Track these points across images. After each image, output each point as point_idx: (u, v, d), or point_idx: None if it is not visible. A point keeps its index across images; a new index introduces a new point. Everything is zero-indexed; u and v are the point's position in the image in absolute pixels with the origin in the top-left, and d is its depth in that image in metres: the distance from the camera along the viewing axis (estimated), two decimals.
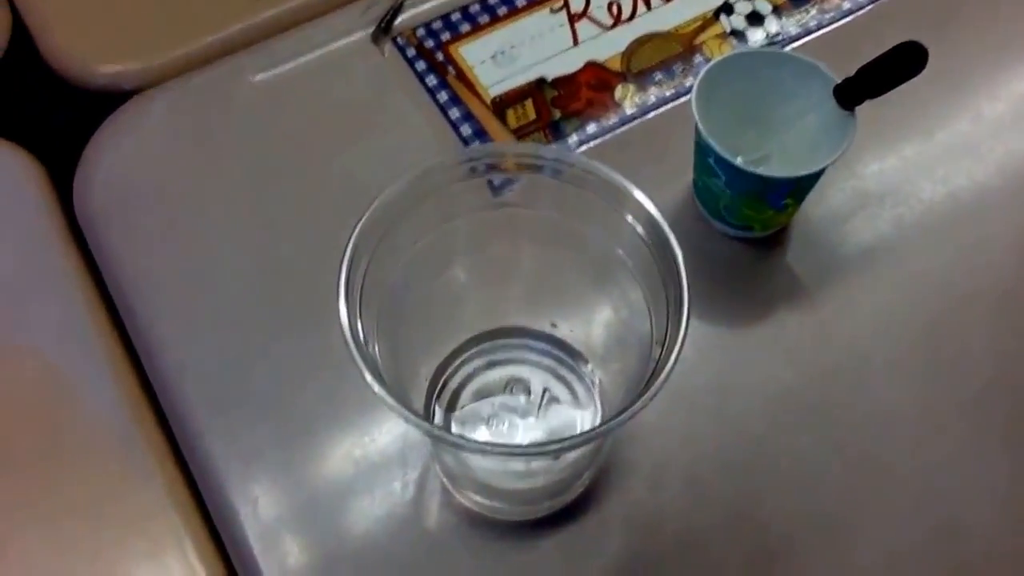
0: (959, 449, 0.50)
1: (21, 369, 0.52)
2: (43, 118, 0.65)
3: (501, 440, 0.47)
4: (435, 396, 0.48)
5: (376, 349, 0.37)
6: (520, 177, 0.41)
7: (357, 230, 0.36)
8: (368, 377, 0.33)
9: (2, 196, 0.58)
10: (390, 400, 0.32)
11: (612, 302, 0.45)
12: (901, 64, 0.45)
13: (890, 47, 0.48)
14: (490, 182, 0.41)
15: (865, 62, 0.48)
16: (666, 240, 0.36)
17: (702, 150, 0.50)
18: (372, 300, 0.37)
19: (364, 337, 0.35)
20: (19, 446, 0.50)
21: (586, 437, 0.32)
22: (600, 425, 0.32)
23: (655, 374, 0.34)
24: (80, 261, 0.56)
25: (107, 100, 0.61)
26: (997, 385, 0.51)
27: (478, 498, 0.47)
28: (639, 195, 0.37)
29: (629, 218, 0.38)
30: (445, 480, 0.48)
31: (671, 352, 0.33)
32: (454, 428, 0.48)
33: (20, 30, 0.63)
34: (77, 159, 0.59)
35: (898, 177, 0.58)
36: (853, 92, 0.47)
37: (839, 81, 0.49)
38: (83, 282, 0.55)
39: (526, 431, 0.48)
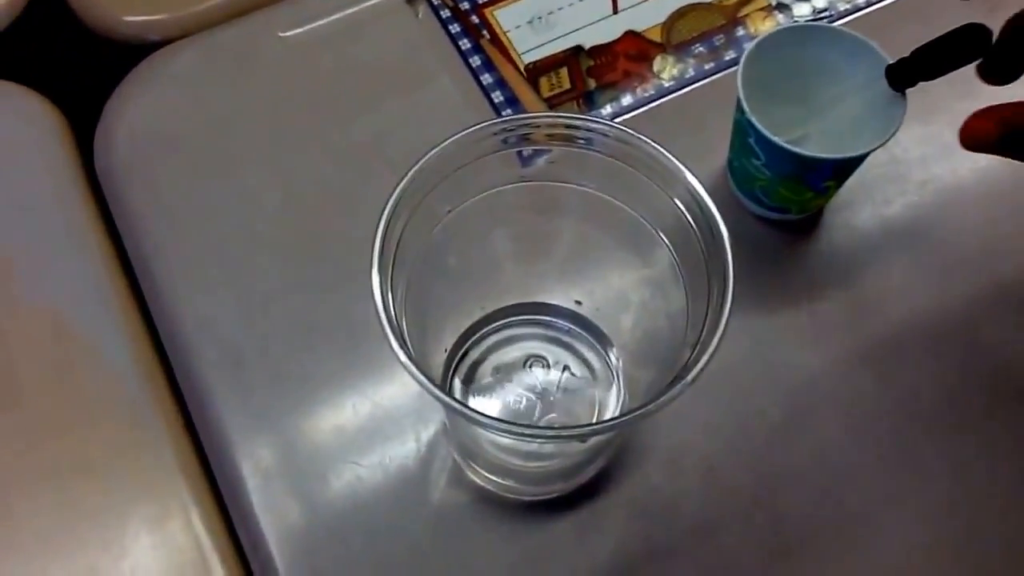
0: (994, 445, 0.49)
1: (34, 323, 0.51)
2: (68, 68, 0.63)
3: (518, 417, 0.46)
4: (454, 368, 0.47)
5: (402, 318, 0.36)
6: (553, 147, 0.39)
7: (393, 197, 0.34)
8: (396, 346, 0.31)
9: (23, 146, 0.57)
10: (418, 374, 0.31)
11: (643, 282, 0.43)
12: (962, 47, 0.43)
13: (945, 27, 0.46)
14: (519, 153, 0.39)
15: (914, 41, 0.46)
16: (715, 226, 0.34)
17: (742, 129, 0.48)
18: (402, 268, 0.36)
19: (392, 306, 0.34)
20: (29, 401, 0.49)
21: (614, 424, 0.31)
22: (631, 412, 0.31)
23: (692, 361, 0.33)
24: (98, 215, 0.55)
25: (133, 51, 0.60)
26: None
27: (489, 475, 0.46)
28: (690, 178, 0.35)
29: (674, 199, 0.36)
30: (456, 456, 0.48)
31: (711, 341, 0.32)
32: (471, 402, 0.47)
33: None
34: (101, 111, 0.58)
35: (940, 163, 0.56)
36: (907, 73, 0.46)
37: (892, 61, 0.47)
38: (100, 237, 0.54)
39: (543, 409, 0.47)
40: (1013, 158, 0.39)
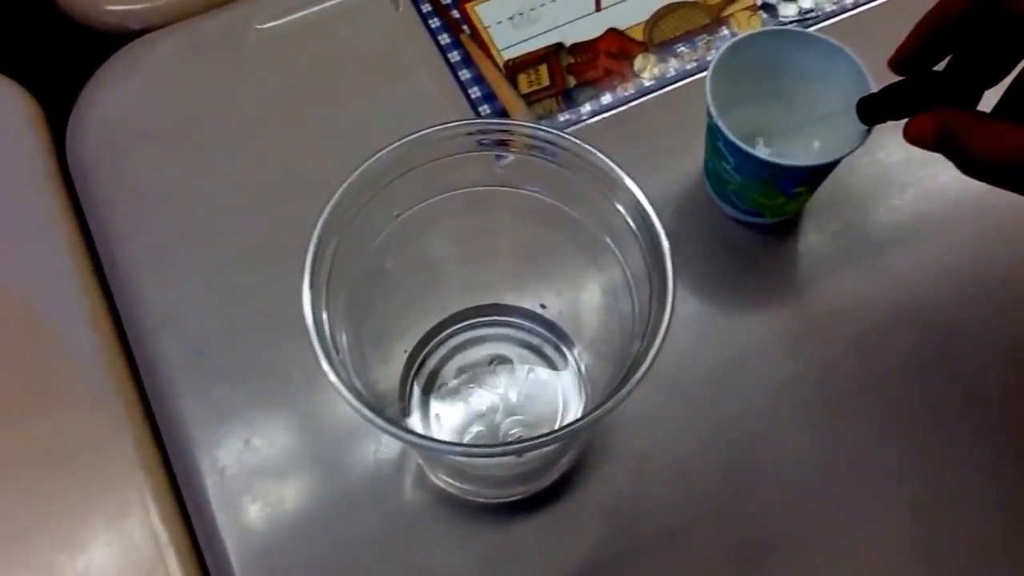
0: (964, 453, 0.48)
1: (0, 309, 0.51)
2: (46, 56, 0.63)
3: (480, 418, 0.46)
4: (414, 372, 0.47)
5: (346, 327, 0.36)
6: (509, 154, 0.39)
7: (333, 201, 0.34)
8: (326, 366, 0.31)
9: None
10: (346, 393, 0.31)
11: (600, 287, 0.43)
12: (930, 90, 0.40)
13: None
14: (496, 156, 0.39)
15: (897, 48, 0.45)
16: (655, 232, 0.34)
17: (712, 132, 0.48)
18: (346, 275, 0.35)
19: (330, 316, 0.33)
20: None
21: (552, 438, 0.31)
22: (566, 427, 0.31)
23: (631, 371, 0.32)
24: (69, 204, 0.55)
25: (113, 40, 0.60)
26: (1013, 388, 0.49)
27: (449, 479, 0.46)
28: (629, 183, 0.35)
29: (618, 206, 0.36)
30: (419, 458, 0.47)
31: (648, 352, 0.32)
32: (432, 405, 0.47)
33: None
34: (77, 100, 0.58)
35: (923, 167, 0.55)
36: (875, 111, 0.43)
37: (865, 68, 0.46)
38: (70, 226, 0.54)
39: (507, 410, 0.46)
40: (948, 159, 0.38)
